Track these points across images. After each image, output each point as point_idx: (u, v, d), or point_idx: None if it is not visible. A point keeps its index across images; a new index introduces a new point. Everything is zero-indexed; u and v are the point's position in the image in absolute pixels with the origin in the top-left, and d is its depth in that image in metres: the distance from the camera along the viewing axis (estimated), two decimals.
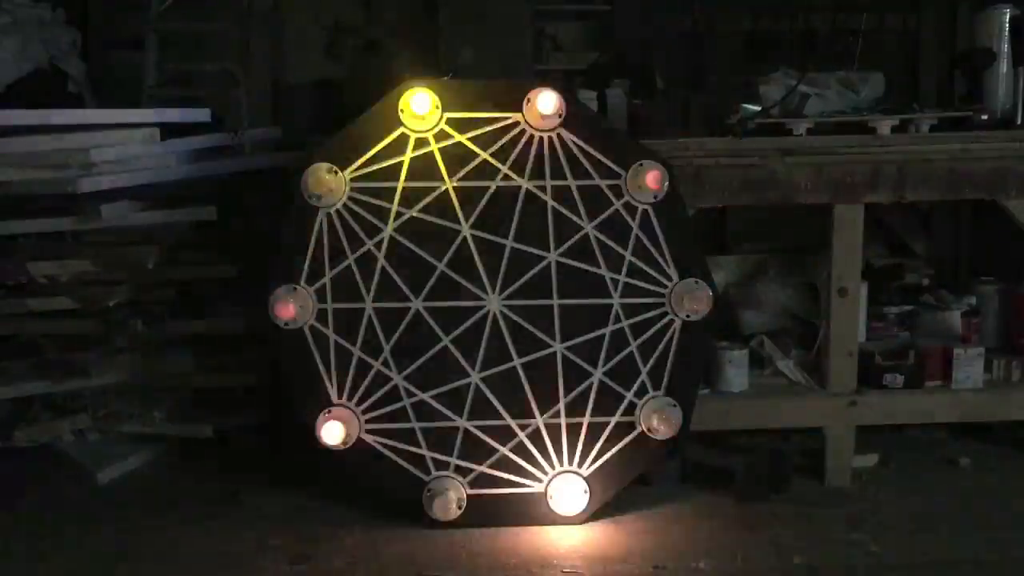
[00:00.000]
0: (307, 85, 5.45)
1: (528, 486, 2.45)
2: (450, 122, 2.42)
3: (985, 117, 2.63)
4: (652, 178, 2.38)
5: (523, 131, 2.43)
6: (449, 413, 2.43)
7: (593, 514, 2.45)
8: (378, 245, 2.41)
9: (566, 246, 2.43)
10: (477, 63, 4.72)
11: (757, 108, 2.62)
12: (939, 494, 2.59)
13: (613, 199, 2.44)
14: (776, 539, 2.34)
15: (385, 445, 2.43)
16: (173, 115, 3.00)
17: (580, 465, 2.45)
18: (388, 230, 2.41)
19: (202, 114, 3.06)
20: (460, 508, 2.41)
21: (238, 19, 4.67)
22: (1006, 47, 2.67)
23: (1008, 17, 2.67)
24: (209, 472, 2.83)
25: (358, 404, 2.42)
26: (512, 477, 2.45)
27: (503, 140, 2.43)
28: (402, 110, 2.38)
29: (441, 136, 2.42)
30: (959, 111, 2.65)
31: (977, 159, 2.54)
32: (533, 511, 2.44)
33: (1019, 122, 2.61)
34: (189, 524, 2.49)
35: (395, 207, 2.41)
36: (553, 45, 5.72)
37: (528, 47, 5.48)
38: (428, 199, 2.42)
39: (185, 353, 3.00)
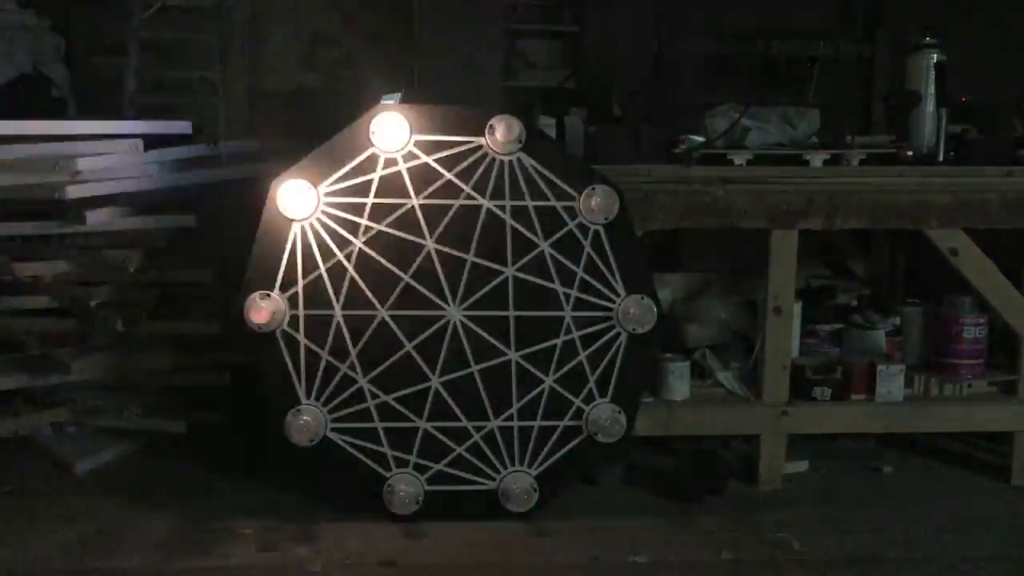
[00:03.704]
0: (284, 93, 5.59)
1: (482, 483, 2.61)
2: (418, 144, 2.59)
3: (910, 153, 2.85)
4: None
5: (486, 154, 2.60)
6: (410, 414, 2.59)
7: (541, 510, 2.61)
8: (348, 257, 2.57)
9: (523, 262, 2.59)
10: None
11: (702, 139, 2.82)
12: (861, 498, 2.79)
13: (567, 219, 2.61)
14: (708, 536, 2.53)
15: (350, 443, 2.59)
16: (156, 127, 3.15)
17: (530, 465, 2.62)
18: (358, 243, 2.57)
19: (183, 127, 3.21)
20: (418, 503, 2.57)
21: (218, 28, 4.82)
22: (932, 88, 2.90)
23: (934, 61, 2.90)
24: (182, 466, 2.96)
25: (325, 404, 2.58)
26: (467, 475, 2.61)
27: (467, 162, 2.59)
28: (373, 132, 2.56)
29: (409, 157, 2.60)
30: (883, 146, 2.86)
31: (901, 192, 2.75)
32: (486, 507, 2.60)
33: (940, 159, 2.84)
34: (162, 513, 2.63)
35: (364, 221, 2.58)
36: (524, 62, 5.92)
37: (500, 63, 5.67)
38: (396, 215, 2.58)
39: (162, 352, 3.14)
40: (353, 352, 2.57)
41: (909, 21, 3.30)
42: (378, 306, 2.58)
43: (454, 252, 2.59)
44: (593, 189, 2.59)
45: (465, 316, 2.60)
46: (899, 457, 3.09)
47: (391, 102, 2.65)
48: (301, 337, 2.56)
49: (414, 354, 2.59)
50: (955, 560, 2.42)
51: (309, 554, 2.42)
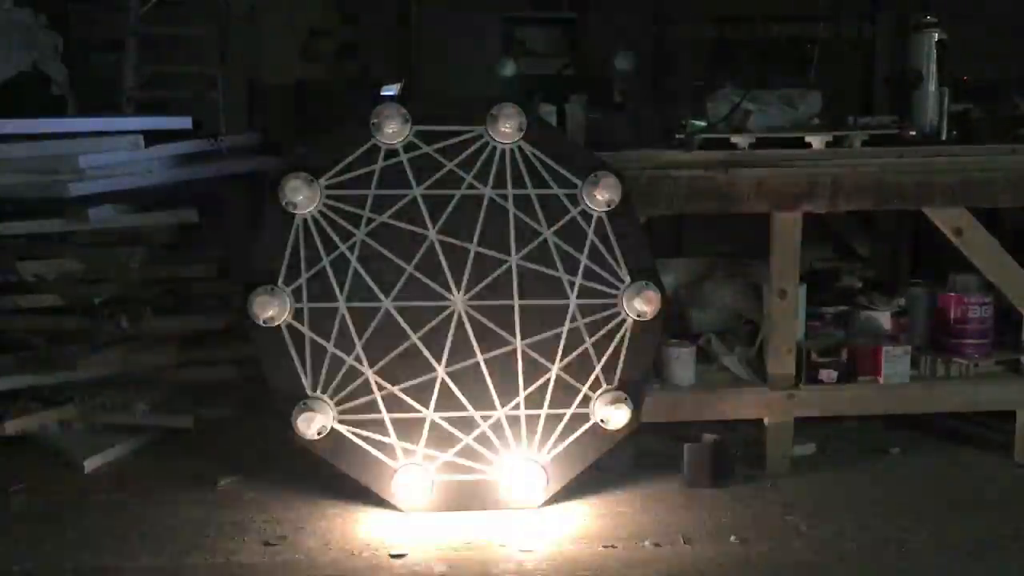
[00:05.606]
0: (283, 86, 5.58)
1: (490, 473, 2.63)
2: (419, 134, 2.60)
3: (913, 133, 2.84)
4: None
5: (487, 143, 2.61)
6: (416, 405, 2.60)
7: (550, 499, 2.62)
8: (351, 249, 2.57)
9: (526, 250, 2.60)
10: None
11: (704, 123, 2.81)
12: (869, 480, 2.80)
13: (570, 207, 2.62)
14: (716, 521, 2.54)
15: (356, 435, 2.60)
16: (156, 123, 3.15)
17: (538, 453, 2.63)
18: (360, 235, 2.58)
19: (183, 122, 3.21)
20: (426, 494, 2.59)
21: (216, 22, 4.80)
22: (933, 68, 2.88)
23: (936, 40, 2.89)
24: (189, 460, 2.97)
25: (331, 396, 2.59)
26: (475, 464, 2.62)
27: (468, 151, 2.60)
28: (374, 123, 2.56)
29: (410, 147, 2.60)
30: (886, 126, 2.85)
31: (904, 172, 2.75)
32: (494, 496, 2.61)
33: (943, 138, 2.83)
34: (169, 508, 2.64)
35: (367, 213, 2.58)
36: (522, 50, 5.90)
37: (497, 51, 5.66)
38: (398, 206, 2.59)
39: (167, 348, 3.15)
40: (358, 344, 2.58)
41: (909, 1, 3.29)
42: (382, 297, 2.58)
43: (457, 242, 2.60)
44: (595, 176, 2.59)
45: (469, 306, 2.61)
46: (906, 438, 3.09)
47: (391, 93, 2.65)
48: (306, 330, 2.57)
49: (419, 344, 2.59)
50: (963, 540, 2.43)
51: (318, 547, 2.43)
